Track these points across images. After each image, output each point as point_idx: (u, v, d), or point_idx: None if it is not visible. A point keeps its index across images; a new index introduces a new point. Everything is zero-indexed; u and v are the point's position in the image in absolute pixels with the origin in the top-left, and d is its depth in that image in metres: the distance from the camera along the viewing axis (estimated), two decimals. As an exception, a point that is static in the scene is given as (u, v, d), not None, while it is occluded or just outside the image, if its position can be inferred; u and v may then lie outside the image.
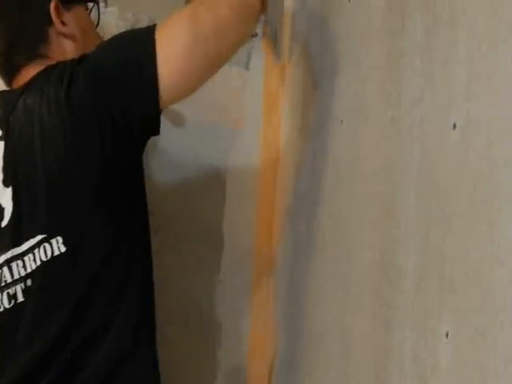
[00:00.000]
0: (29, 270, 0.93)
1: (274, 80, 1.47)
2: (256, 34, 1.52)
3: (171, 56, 0.95)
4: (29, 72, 1.03)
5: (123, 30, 1.41)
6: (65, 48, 1.08)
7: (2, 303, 0.93)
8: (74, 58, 0.98)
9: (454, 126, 0.77)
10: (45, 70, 1.01)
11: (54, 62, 1.02)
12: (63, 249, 0.92)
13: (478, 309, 0.70)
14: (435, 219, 0.81)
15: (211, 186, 1.45)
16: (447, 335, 0.75)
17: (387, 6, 1.01)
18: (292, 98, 1.43)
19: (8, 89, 1.09)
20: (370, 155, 1.02)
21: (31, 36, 1.06)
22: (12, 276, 0.93)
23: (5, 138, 0.96)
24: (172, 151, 1.47)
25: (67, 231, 0.93)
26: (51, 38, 1.07)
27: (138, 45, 0.97)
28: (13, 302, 0.92)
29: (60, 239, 0.92)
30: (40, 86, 0.97)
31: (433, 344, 0.79)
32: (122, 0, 1.58)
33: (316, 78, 1.31)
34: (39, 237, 0.92)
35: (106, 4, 1.57)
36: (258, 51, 1.50)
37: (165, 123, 1.45)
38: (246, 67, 1.50)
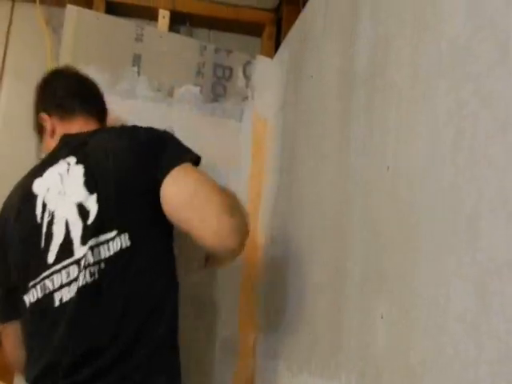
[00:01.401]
0: (103, 257, 0.99)
1: (260, 129, 1.54)
2: (247, 98, 1.60)
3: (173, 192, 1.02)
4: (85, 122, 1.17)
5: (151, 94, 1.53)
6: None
7: (85, 277, 0.98)
8: (138, 126, 1.16)
9: (388, 168, 0.82)
10: (104, 128, 1.19)
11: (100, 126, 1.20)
12: (129, 243, 0.99)
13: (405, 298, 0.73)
14: (373, 237, 0.85)
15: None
16: (382, 316, 0.79)
17: (340, 82, 1.04)
18: (273, 143, 1.48)
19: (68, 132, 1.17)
20: (326, 193, 1.04)
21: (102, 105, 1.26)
22: (93, 259, 0.98)
23: (82, 162, 1.05)
24: None
25: (132, 229, 1.00)
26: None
27: (177, 149, 1.09)
28: (91, 278, 0.98)
29: (127, 235, 0.99)
30: (111, 133, 1.14)
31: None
32: (149, 71, 1.60)
33: (289, 131, 1.35)
34: (114, 232, 0.99)
35: (138, 74, 1.61)
36: (249, 109, 1.58)
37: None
38: (240, 120, 1.58)
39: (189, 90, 1.60)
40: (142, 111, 1.57)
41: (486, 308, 0.60)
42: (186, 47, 1.62)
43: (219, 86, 1.61)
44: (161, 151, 1.05)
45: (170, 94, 1.59)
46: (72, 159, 1.06)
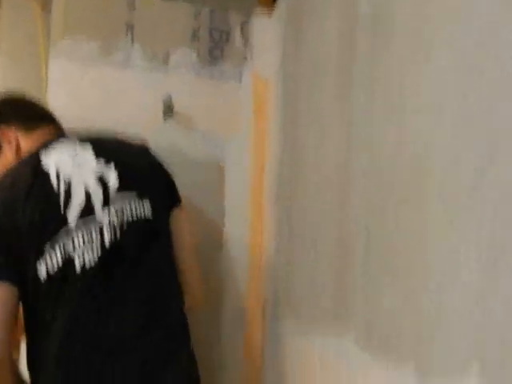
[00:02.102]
0: (126, 220, 1.03)
1: (260, 89, 1.49)
2: (246, 58, 1.55)
3: None
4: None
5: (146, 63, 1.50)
6: None
7: (110, 237, 1.01)
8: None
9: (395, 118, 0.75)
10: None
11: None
12: (150, 214, 1.06)
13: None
14: (379, 192, 0.80)
15: (214, 172, 1.51)
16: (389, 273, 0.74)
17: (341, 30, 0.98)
18: (274, 102, 1.43)
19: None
20: (330, 159, 1.00)
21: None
22: (117, 220, 1.02)
23: (91, 148, 1.10)
24: (185, 150, 1.48)
25: (152, 198, 1.08)
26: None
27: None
28: (114, 238, 1.01)
29: (148, 202, 1.06)
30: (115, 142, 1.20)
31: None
32: (143, 39, 1.56)
33: (290, 87, 1.30)
34: (134, 193, 1.05)
35: (132, 42, 1.57)
36: (248, 69, 1.53)
37: (178, 128, 1.50)
38: (239, 81, 1.53)
39: (184, 55, 1.54)
40: (137, 81, 1.53)
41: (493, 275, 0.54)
42: (180, 12, 1.56)
43: (216, 49, 1.56)
44: (170, 178, 1.20)
45: (166, 60, 1.55)
46: (77, 147, 1.09)
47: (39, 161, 1.05)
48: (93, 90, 1.52)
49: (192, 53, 1.54)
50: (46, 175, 1.03)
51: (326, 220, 1.00)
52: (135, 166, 1.11)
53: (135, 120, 1.52)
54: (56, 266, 0.97)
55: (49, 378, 0.96)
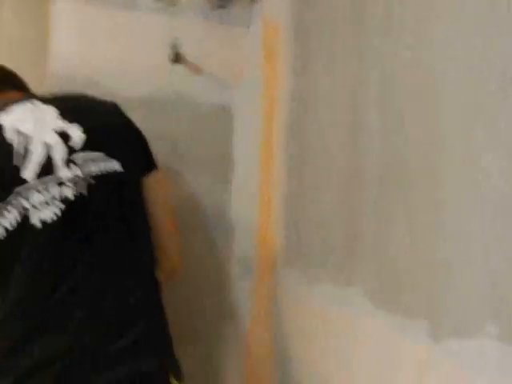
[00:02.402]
0: (93, 173, 0.99)
1: (270, 33, 1.44)
2: (255, 0, 1.48)
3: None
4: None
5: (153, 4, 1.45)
6: None
7: (73, 192, 0.97)
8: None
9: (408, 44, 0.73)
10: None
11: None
12: (120, 168, 1.02)
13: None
14: (393, 125, 0.79)
15: (223, 118, 1.49)
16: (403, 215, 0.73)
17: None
18: (285, 45, 1.39)
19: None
20: (342, 97, 0.98)
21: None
22: (81, 173, 0.98)
23: (51, 104, 1.06)
24: (193, 95, 1.48)
25: (121, 160, 1.03)
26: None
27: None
28: (78, 193, 0.97)
29: (116, 162, 1.02)
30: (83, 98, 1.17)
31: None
32: None
33: (302, 29, 1.26)
34: (101, 153, 1.01)
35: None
36: (257, 14, 1.47)
37: (186, 73, 1.46)
38: (248, 27, 1.47)
39: (192, -3, 1.48)
40: (143, 23, 1.48)
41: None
42: (188, -50, 1.48)
43: (225, -10, 1.49)
44: (143, 140, 1.15)
45: (173, 2, 1.48)
46: (36, 102, 1.05)
47: None
48: (97, 31, 1.47)
49: (200, -6, 1.48)
50: (2, 130, 0.99)
51: (337, 156, 0.99)
52: (103, 125, 1.06)
53: (141, 63, 1.48)
54: (14, 222, 0.92)
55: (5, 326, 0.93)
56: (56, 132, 1.00)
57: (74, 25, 1.46)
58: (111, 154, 1.01)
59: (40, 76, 1.56)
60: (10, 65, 1.51)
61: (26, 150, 0.97)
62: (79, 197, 0.95)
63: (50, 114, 1.03)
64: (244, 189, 1.45)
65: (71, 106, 1.07)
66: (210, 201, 1.48)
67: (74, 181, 0.96)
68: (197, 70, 1.48)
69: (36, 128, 0.99)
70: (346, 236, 0.93)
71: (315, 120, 1.12)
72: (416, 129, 0.73)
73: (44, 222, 0.93)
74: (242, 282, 1.42)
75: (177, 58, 1.46)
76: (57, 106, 1.05)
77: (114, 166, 1.01)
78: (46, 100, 1.08)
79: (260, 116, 1.43)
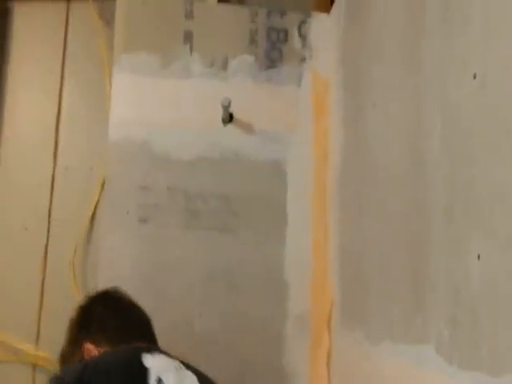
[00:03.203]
0: None
1: (321, 89, 1.46)
2: (305, 59, 1.53)
3: None
4: None
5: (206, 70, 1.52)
6: None
7: None
8: None
9: (474, 76, 0.71)
10: None
11: None
12: None
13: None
14: (459, 156, 0.75)
15: (276, 174, 1.50)
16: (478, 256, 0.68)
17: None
18: (335, 100, 1.40)
19: None
20: (397, 145, 0.95)
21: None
22: None
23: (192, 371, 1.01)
24: (245, 153, 1.50)
25: None
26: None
27: None
28: None
29: None
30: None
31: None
32: (202, 46, 1.58)
33: (351, 83, 1.27)
34: None
35: (191, 51, 1.60)
36: (308, 71, 1.51)
37: (238, 132, 1.51)
38: (298, 85, 1.52)
39: (243, 60, 1.55)
40: (197, 88, 1.56)
41: None
42: (237, 16, 1.57)
43: (274, 51, 1.55)
44: None
45: (224, 66, 1.56)
46: (180, 364, 1.00)
47: (139, 359, 0.94)
48: (154, 100, 1.55)
49: (250, 57, 1.54)
50: (146, 379, 0.92)
51: (396, 201, 0.95)
52: None
53: (196, 127, 1.54)
54: None
55: None
56: None
57: (132, 95, 1.55)
58: None
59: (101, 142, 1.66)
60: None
61: None
62: None
63: (191, 378, 0.98)
64: (298, 244, 1.42)
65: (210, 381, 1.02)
66: (265, 258, 1.45)
67: None
68: (249, 128, 1.52)
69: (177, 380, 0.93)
70: (411, 284, 0.87)
71: (372, 168, 1.10)
72: (488, 159, 0.69)
73: None
74: (298, 341, 1.36)
75: (229, 118, 1.51)
76: (197, 375, 1.00)
77: None
78: (183, 362, 1.02)
79: (312, 170, 1.42)
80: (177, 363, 0.99)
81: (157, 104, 1.54)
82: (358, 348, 1.06)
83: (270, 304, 1.43)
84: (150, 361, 0.95)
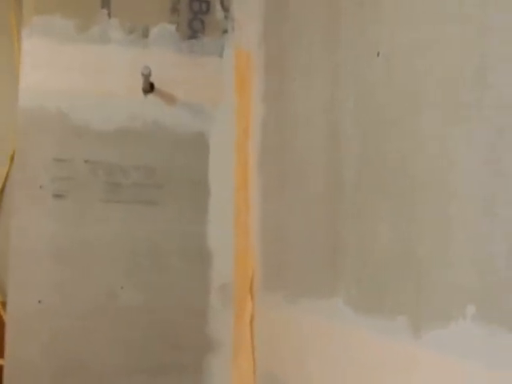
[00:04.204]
0: None
1: (243, 62, 1.49)
2: (227, 31, 1.55)
3: None
4: None
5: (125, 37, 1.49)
6: None
7: None
8: None
9: (378, 53, 0.77)
10: None
11: None
12: None
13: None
14: (369, 129, 0.81)
15: (198, 146, 1.52)
16: (382, 219, 0.74)
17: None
18: (257, 77, 1.44)
19: None
20: (318, 104, 1.01)
21: None
22: None
23: None
24: (168, 124, 1.50)
25: None
26: None
27: None
28: None
29: None
30: None
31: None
32: (121, 12, 1.55)
33: (274, 56, 1.31)
34: None
35: (109, 15, 1.55)
36: (230, 44, 1.53)
37: (160, 103, 1.50)
38: (221, 56, 1.53)
39: (164, 29, 1.54)
40: (116, 56, 1.52)
41: (499, 173, 0.55)
42: (159, -16, 1.55)
43: (197, 21, 1.55)
44: None
45: (145, 34, 1.53)
46: None
47: None
48: (70, 67, 1.50)
49: (172, 26, 1.53)
50: None
51: (315, 172, 1.01)
52: None
53: (115, 95, 1.51)
54: None
55: None
56: None
57: (44, 60, 1.49)
58: None
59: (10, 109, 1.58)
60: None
61: None
62: None
63: None
64: (221, 215, 1.46)
65: None
66: (188, 230, 1.48)
67: None
68: (171, 99, 1.52)
69: None
70: (327, 249, 0.94)
71: (292, 140, 1.15)
72: (392, 135, 0.75)
73: None
74: (222, 310, 1.41)
75: (149, 88, 1.49)
76: None
77: None
78: None
79: (234, 142, 1.46)
80: None
81: (73, 71, 1.49)
82: (278, 309, 1.13)
83: (194, 275, 1.46)
84: None
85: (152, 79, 1.47)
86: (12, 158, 1.69)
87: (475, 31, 0.60)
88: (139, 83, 1.48)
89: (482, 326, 0.55)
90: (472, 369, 0.56)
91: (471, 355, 0.56)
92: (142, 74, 1.44)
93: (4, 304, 1.57)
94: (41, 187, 1.46)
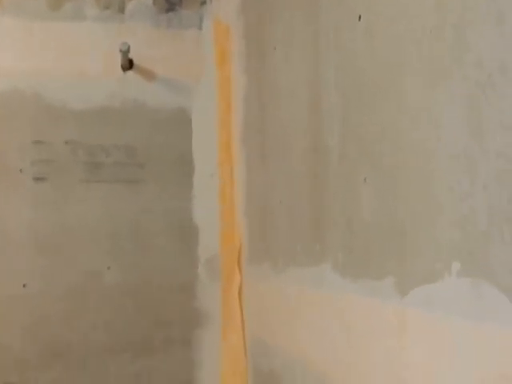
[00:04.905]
0: None
1: (222, 35, 1.48)
2: (205, 2, 1.52)
3: None
4: None
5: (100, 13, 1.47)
6: None
7: None
8: None
9: (359, 17, 0.77)
10: None
11: None
12: None
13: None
14: (351, 97, 0.81)
15: (181, 122, 1.51)
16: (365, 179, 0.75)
17: None
18: (237, 49, 1.42)
19: None
20: (300, 73, 1.00)
21: None
22: None
23: None
24: (148, 102, 1.49)
25: None
26: None
27: None
28: None
29: None
30: None
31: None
32: None
33: (253, 27, 1.30)
34: None
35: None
36: (208, 15, 1.50)
37: (139, 80, 1.48)
38: (200, 28, 1.51)
39: (141, 2, 1.51)
40: (92, 33, 1.49)
41: (480, 132, 0.55)
42: (133, -45, 1.51)
43: (173, -6, 1.52)
44: None
45: (121, 9, 1.51)
46: None
47: None
48: (44, 46, 1.47)
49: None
50: None
51: (298, 140, 1.01)
52: None
53: (94, 75, 1.48)
54: None
55: None
56: None
57: (17, 40, 1.46)
58: None
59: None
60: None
61: None
62: None
63: None
64: (206, 191, 1.46)
65: None
66: (173, 207, 1.47)
67: None
68: (150, 75, 1.50)
69: None
70: (312, 218, 0.94)
71: (275, 111, 1.14)
72: (374, 101, 0.75)
73: None
74: (210, 283, 1.42)
75: (128, 65, 1.47)
76: None
77: None
78: None
79: (217, 117, 1.45)
80: None
81: (48, 51, 1.46)
82: (266, 280, 1.14)
83: (180, 251, 1.46)
84: None
85: (130, 55, 1.45)
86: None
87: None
88: (117, 60, 1.46)
89: (467, 281, 0.55)
90: (459, 323, 0.57)
91: (458, 310, 0.56)
92: (120, 51, 1.41)
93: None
94: (21, 171, 1.44)
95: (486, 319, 0.53)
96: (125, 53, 1.42)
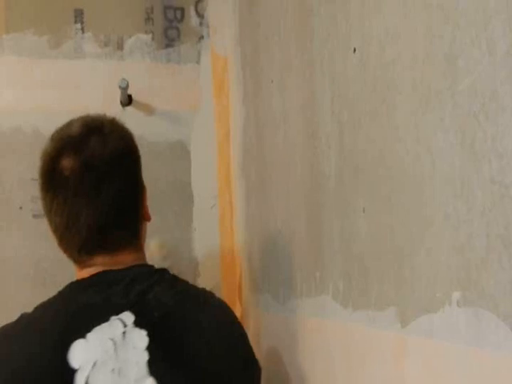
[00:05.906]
0: None
1: (220, 68, 1.51)
2: (203, 37, 1.57)
3: None
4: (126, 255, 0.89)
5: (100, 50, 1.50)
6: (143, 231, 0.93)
7: None
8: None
9: (354, 50, 0.79)
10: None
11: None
12: None
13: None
14: (346, 125, 0.82)
15: (179, 154, 1.54)
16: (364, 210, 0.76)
17: None
18: (234, 81, 1.46)
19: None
20: (293, 103, 1.02)
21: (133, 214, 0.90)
22: None
23: (145, 324, 0.80)
24: (148, 136, 1.51)
25: None
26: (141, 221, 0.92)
27: None
28: None
29: None
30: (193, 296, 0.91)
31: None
32: (94, 25, 1.57)
33: (249, 58, 1.33)
34: None
35: (82, 30, 1.57)
36: (206, 49, 1.54)
37: (138, 115, 1.51)
38: (198, 62, 1.55)
39: (139, 39, 1.55)
40: (92, 70, 1.53)
41: (473, 157, 0.56)
42: (131, -6, 1.57)
43: (172, 29, 1.57)
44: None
45: (120, 46, 1.55)
46: (129, 317, 0.79)
47: (67, 344, 0.77)
48: (44, 84, 1.51)
49: (147, 36, 1.55)
50: (70, 378, 0.75)
51: (296, 169, 1.02)
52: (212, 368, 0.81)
53: (93, 111, 1.51)
54: None
55: None
56: None
57: (18, 79, 1.49)
58: None
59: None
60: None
61: None
62: None
63: (136, 352, 0.77)
64: (206, 223, 1.46)
65: (172, 338, 0.80)
66: (173, 240, 1.48)
67: None
68: (149, 109, 1.53)
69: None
70: (312, 246, 0.94)
71: (272, 140, 1.16)
72: (369, 129, 0.77)
73: None
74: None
75: (127, 101, 1.50)
76: (153, 330, 0.79)
77: None
78: (147, 311, 0.81)
79: (215, 148, 1.47)
80: (118, 330, 0.78)
81: (48, 88, 1.50)
82: (267, 310, 1.14)
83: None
84: (80, 353, 0.76)
85: (130, 91, 1.48)
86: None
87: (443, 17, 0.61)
88: (116, 96, 1.49)
89: (468, 310, 0.56)
90: (459, 352, 0.56)
91: (458, 339, 0.56)
92: (120, 87, 1.45)
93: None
94: (21, 208, 1.46)
95: (485, 346, 0.53)
96: (124, 89, 1.45)
